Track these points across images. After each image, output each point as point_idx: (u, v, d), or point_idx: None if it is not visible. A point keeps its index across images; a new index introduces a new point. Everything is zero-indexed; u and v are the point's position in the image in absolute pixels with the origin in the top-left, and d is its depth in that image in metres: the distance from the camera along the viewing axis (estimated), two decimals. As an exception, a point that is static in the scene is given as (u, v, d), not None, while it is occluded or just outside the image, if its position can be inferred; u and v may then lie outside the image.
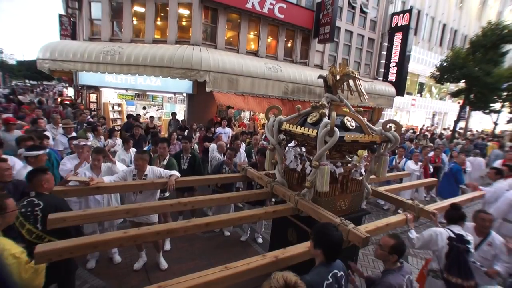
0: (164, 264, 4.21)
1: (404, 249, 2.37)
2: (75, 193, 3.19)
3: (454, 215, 3.08)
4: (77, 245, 2.07)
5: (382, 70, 17.81)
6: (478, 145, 13.65)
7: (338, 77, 3.31)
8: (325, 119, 2.90)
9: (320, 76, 3.56)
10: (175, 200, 3.26)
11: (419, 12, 19.28)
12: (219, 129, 8.89)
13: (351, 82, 3.32)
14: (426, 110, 24.93)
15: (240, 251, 4.84)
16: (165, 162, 4.63)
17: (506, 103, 17.77)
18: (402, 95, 17.95)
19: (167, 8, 10.84)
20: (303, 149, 3.56)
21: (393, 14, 17.06)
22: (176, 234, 2.67)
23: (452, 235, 2.86)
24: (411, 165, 7.12)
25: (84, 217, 2.62)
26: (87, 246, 2.13)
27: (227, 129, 9.15)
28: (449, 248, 2.81)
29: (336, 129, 2.73)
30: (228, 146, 7.29)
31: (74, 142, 4.53)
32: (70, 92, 22.21)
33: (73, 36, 14.09)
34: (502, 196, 4.39)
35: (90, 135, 6.53)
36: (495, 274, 3.03)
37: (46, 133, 5.49)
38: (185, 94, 11.59)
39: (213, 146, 6.89)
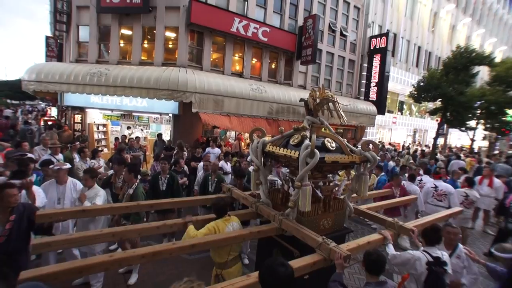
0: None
1: (378, 265, 2.46)
2: (59, 216, 3.16)
3: (434, 237, 3.03)
4: (61, 271, 2.07)
5: (363, 89, 18.51)
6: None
7: (318, 100, 3.50)
8: (306, 141, 3.03)
9: (301, 100, 3.74)
10: (161, 222, 3.28)
11: (395, 35, 20.35)
12: (208, 149, 8.96)
13: (330, 105, 3.51)
14: (407, 128, 25.83)
15: (226, 273, 4.79)
16: (131, 191, 4.28)
17: (481, 121, 18.67)
18: (383, 114, 18.63)
19: (154, 31, 11.08)
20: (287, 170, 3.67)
21: (371, 37, 17.98)
22: (161, 256, 2.69)
23: (430, 258, 2.83)
24: None
25: (70, 241, 2.62)
26: (72, 271, 2.13)
27: (216, 149, 9.24)
28: (428, 273, 2.79)
29: (316, 150, 2.86)
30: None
31: (55, 167, 4.15)
32: (53, 112, 21.81)
33: (59, 58, 14.11)
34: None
35: (76, 155, 6.49)
36: (458, 286, 3.14)
37: (32, 155, 5.40)
38: (171, 115, 11.66)
39: (201, 165, 6.91)
